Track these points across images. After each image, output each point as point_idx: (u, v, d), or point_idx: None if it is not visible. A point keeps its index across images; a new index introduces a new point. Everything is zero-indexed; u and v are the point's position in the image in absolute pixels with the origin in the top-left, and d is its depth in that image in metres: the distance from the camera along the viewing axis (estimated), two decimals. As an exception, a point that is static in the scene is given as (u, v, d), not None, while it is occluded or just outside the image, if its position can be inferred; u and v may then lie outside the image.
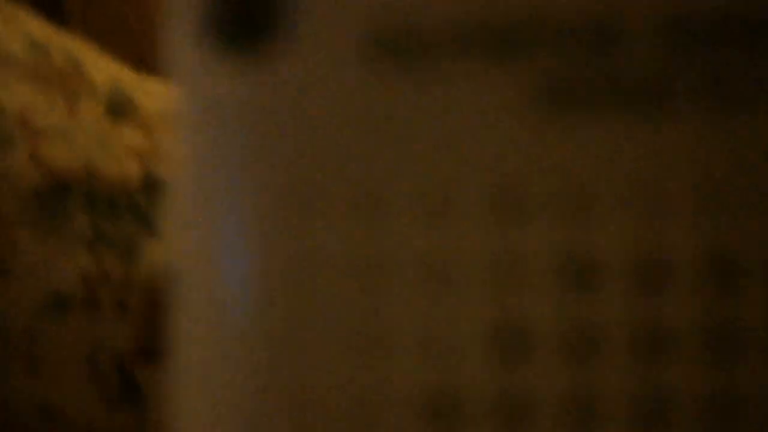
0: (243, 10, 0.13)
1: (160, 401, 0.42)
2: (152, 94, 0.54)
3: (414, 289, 0.13)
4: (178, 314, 0.14)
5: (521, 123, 0.13)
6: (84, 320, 0.44)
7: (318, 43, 0.13)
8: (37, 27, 0.54)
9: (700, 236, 0.13)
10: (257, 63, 0.13)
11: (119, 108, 0.52)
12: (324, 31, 0.13)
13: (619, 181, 0.13)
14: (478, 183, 0.13)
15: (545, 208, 0.13)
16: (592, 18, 0.13)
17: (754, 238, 0.13)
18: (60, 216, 0.44)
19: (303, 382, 0.13)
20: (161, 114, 0.51)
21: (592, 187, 0.13)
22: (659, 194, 0.13)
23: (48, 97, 0.50)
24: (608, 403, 0.13)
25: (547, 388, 0.13)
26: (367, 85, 0.13)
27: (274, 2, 0.13)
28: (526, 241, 0.13)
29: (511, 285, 0.13)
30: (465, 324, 0.13)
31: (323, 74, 0.13)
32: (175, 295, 0.14)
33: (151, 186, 0.47)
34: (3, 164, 0.45)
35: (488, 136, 0.13)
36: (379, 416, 0.13)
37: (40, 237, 0.43)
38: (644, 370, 0.13)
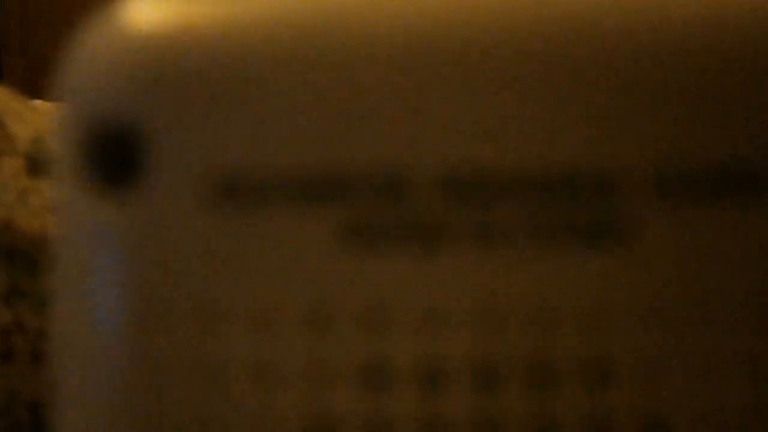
0: (110, 157, 0.16)
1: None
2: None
3: (244, 387, 0.16)
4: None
5: (330, 254, 0.16)
6: (2, 372, 0.46)
7: (166, 186, 0.16)
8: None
9: (472, 347, 0.16)
10: (121, 199, 0.16)
11: (39, 163, 0.54)
12: (171, 177, 0.16)
13: (408, 301, 0.16)
14: (296, 301, 0.16)
15: (350, 322, 0.16)
16: (385, 172, 0.16)
17: (516, 349, 0.16)
18: (-21, 271, 0.46)
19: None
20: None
21: (387, 305, 0.16)
22: (440, 312, 0.16)
23: (-30, 154, 0.52)
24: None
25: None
26: (204, 221, 0.16)
27: (133, 153, 0.16)
28: (334, 347, 0.16)
29: (323, 383, 0.16)
30: (284, 418, 0.16)
31: (171, 211, 0.16)
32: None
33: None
34: (-74, 221, 0.47)
35: (304, 265, 0.16)
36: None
37: (-39, 292, 0.45)
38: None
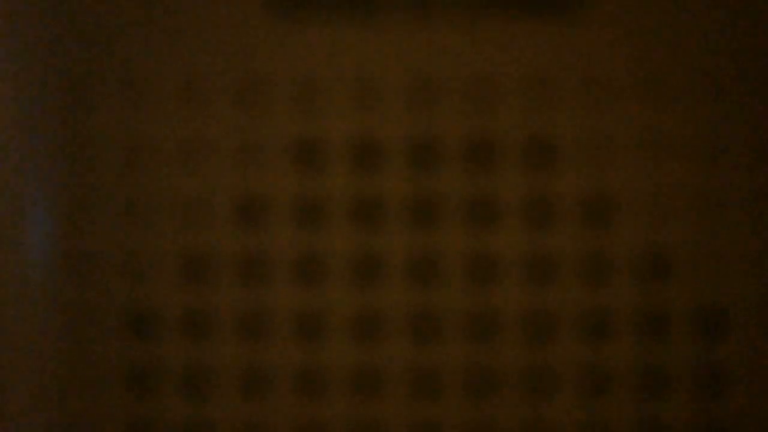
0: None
1: None
2: None
3: (177, 161, 0.16)
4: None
5: (261, 24, 0.15)
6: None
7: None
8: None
9: (408, 122, 0.15)
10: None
11: None
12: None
13: (342, 72, 0.15)
14: (227, 75, 0.15)
15: (282, 96, 0.15)
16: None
17: (455, 125, 0.15)
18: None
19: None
20: None
21: (320, 78, 0.15)
22: (374, 84, 0.15)
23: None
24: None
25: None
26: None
27: None
28: (266, 124, 0.15)
29: (256, 161, 0.15)
30: (217, 196, 0.15)
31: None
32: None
33: None
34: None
35: (234, 36, 0.15)
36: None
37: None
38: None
